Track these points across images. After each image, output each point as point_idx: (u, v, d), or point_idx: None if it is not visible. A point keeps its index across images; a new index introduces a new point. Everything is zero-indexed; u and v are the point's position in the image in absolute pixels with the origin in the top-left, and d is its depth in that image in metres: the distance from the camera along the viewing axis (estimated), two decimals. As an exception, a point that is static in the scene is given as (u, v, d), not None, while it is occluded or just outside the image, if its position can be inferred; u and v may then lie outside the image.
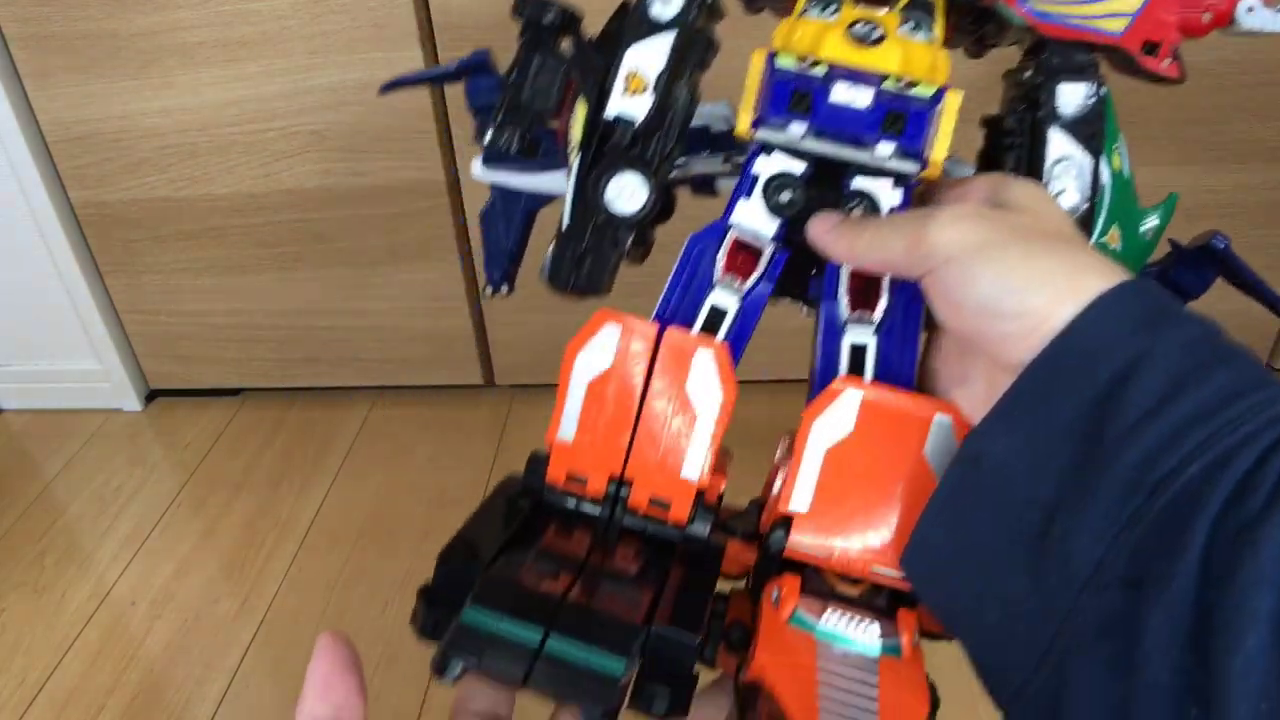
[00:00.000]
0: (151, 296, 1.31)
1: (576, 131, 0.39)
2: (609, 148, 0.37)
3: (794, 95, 0.33)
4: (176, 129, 1.16)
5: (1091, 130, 0.37)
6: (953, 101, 0.32)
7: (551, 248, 0.38)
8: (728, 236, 0.35)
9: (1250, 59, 1.02)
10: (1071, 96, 0.37)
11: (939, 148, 0.33)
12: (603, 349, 0.33)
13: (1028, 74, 0.37)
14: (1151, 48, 0.35)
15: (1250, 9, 0.35)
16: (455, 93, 1.09)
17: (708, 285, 0.35)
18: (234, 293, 1.29)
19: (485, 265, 0.48)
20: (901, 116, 0.33)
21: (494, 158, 0.47)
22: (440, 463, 1.22)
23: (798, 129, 0.34)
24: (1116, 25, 0.36)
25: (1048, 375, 0.27)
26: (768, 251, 0.35)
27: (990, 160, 0.39)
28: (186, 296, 1.31)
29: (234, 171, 1.18)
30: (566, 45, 0.40)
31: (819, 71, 0.33)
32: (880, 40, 0.33)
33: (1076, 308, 0.27)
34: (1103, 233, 0.37)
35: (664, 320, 0.35)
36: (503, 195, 0.48)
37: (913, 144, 0.33)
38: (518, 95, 0.40)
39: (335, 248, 1.23)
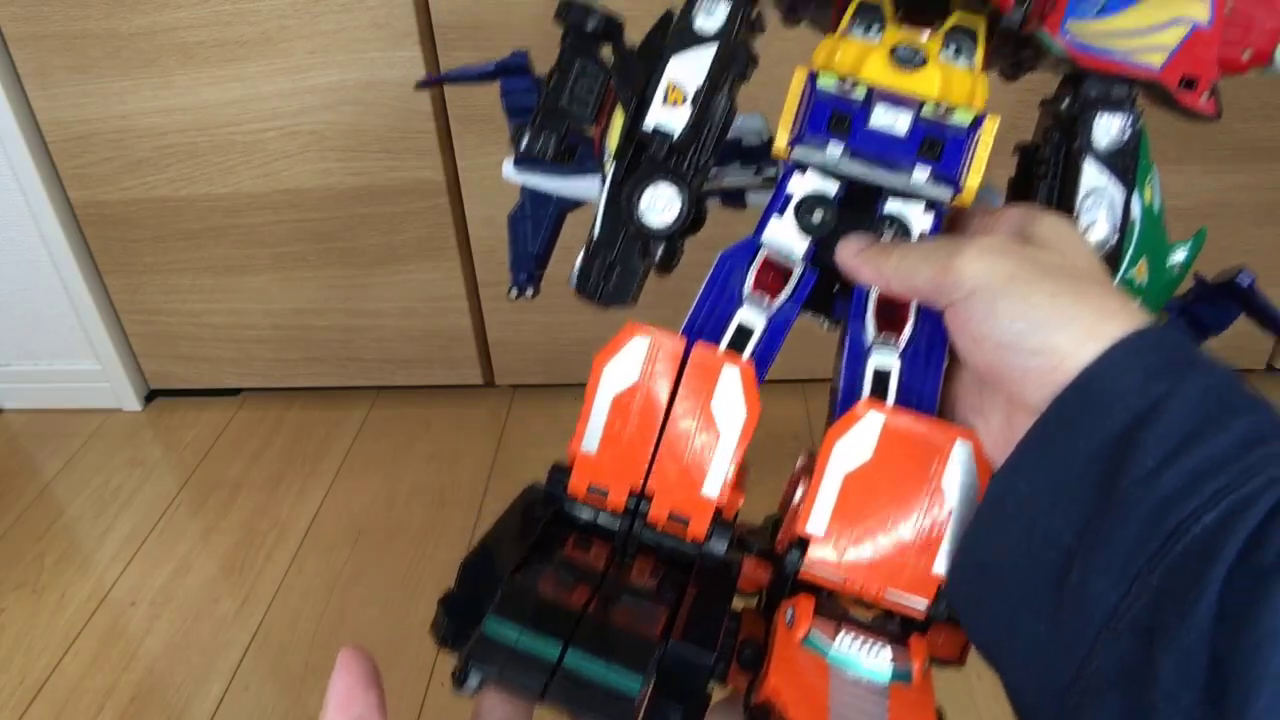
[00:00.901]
0: (151, 296, 1.31)
1: (613, 140, 0.39)
2: (645, 159, 0.37)
3: (833, 116, 0.34)
4: (176, 129, 1.16)
5: (1126, 163, 0.36)
6: (990, 129, 0.33)
7: (581, 256, 0.38)
8: (759, 255, 0.35)
9: (1250, 59, 1.02)
10: (1108, 129, 0.37)
11: (974, 174, 0.33)
12: (630, 362, 0.34)
13: (1065, 104, 0.37)
14: (1190, 83, 0.35)
15: None
16: (455, 93, 1.09)
17: (736, 302, 0.35)
18: (234, 293, 1.29)
19: (511, 266, 0.49)
20: (938, 143, 0.33)
21: (526, 160, 0.47)
22: (440, 463, 1.22)
23: (835, 150, 0.34)
24: (1156, 59, 0.35)
25: (1067, 417, 0.27)
26: (797, 272, 0.35)
27: (1022, 189, 0.39)
28: (186, 296, 1.30)
29: (234, 171, 1.18)
30: (607, 53, 0.40)
31: (859, 94, 0.33)
32: (922, 65, 0.33)
33: (1098, 349, 0.27)
34: (1131, 265, 0.37)
35: (691, 335, 0.35)
36: (532, 198, 0.49)
37: (948, 170, 0.33)
38: (556, 100, 0.40)
39: (335, 248, 1.23)
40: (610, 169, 0.39)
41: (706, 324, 0.35)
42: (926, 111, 0.33)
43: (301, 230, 1.22)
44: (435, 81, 0.52)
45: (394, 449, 1.26)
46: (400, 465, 1.23)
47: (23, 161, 1.19)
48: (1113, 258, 0.36)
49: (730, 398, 0.33)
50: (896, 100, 0.33)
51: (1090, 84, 0.36)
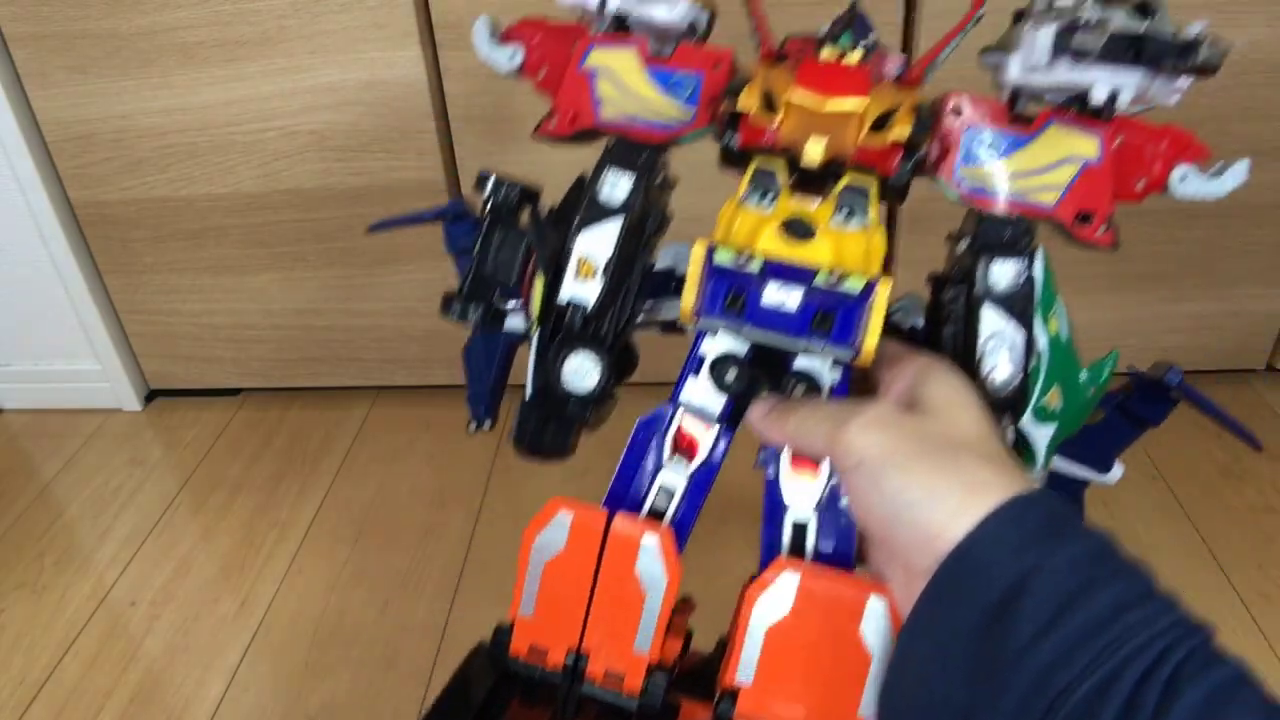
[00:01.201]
0: (151, 296, 1.31)
1: (536, 304, 0.41)
2: (564, 328, 0.40)
3: (728, 295, 0.35)
4: (176, 129, 1.16)
5: (1023, 305, 0.38)
6: (882, 293, 0.34)
7: (517, 413, 0.41)
8: (674, 420, 0.38)
9: (1250, 59, 1.02)
10: (1003, 274, 0.38)
11: (870, 336, 0.34)
12: (557, 534, 0.36)
13: (962, 246, 0.39)
14: (1085, 217, 0.37)
15: (1183, 177, 0.36)
16: (455, 91, 1.09)
17: (657, 467, 0.38)
18: (234, 293, 1.29)
19: (469, 401, 0.51)
20: (829, 315, 0.34)
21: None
22: (440, 463, 1.22)
23: (734, 326, 0.36)
24: (1050, 197, 0.37)
25: (947, 589, 0.29)
26: (710, 434, 0.37)
27: (934, 317, 0.41)
28: (186, 296, 1.30)
29: (234, 171, 1.18)
30: (526, 219, 0.42)
31: (755, 267, 0.34)
32: (811, 237, 0.35)
33: (971, 523, 0.29)
34: (1043, 394, 0.39)
35: (616, 501, 0.37)
36: (483, 334, 0.50)
37: (840, 340, 0.34)
38: (481, 269, 0.43)
39: (335, 248, 1.23)
40: (535, 334, 0.41)
41: (631, 489, 0.38)
42: (819, 280, 0.34)
43: (301, 230, 1.22)
44: (386, 226, 0.54)
45: (394, 449, 1.26)
46: (400, 465, 1.23)
47: (23, 161, 1.19)
48: (1019, 394, 0.38)
49: (652, 563, 0.35)
50: (789, 275, 0.34)
51: (985, 229, 0.38)
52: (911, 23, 1.02)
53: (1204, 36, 0.33)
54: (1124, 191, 0.37)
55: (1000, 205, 0.37)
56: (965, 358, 0.38)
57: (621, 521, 0.36)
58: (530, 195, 0.43)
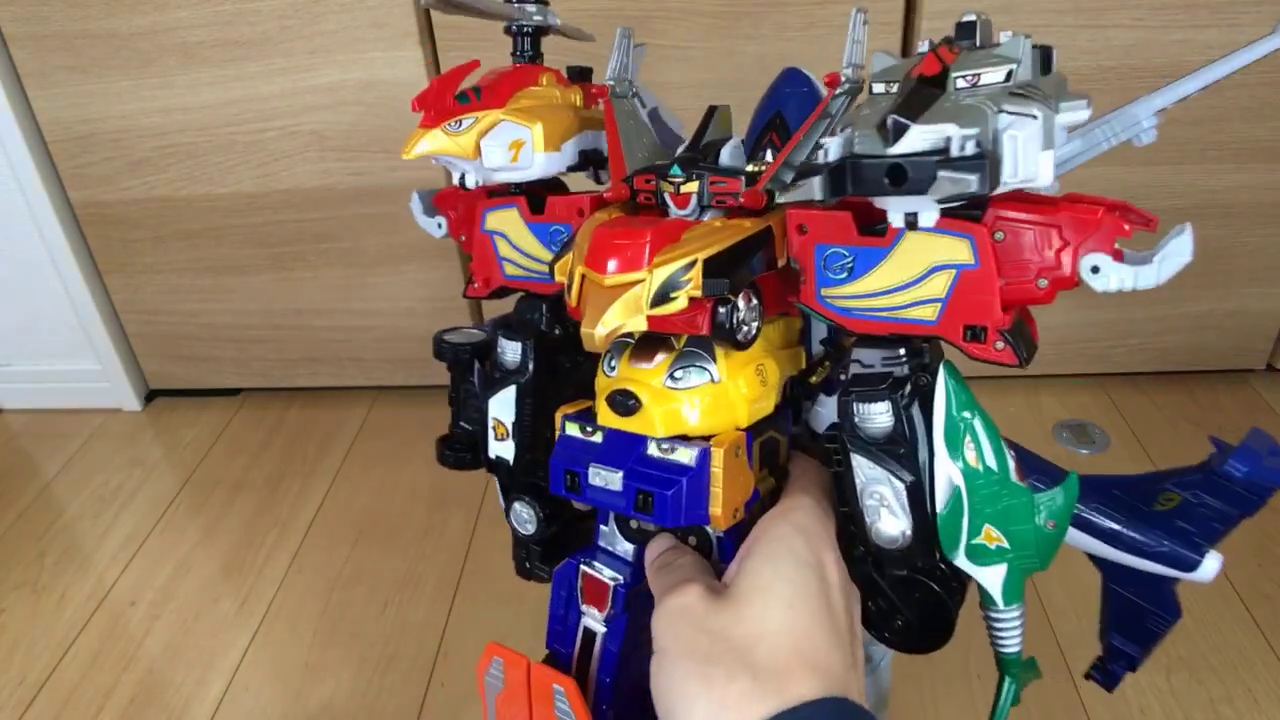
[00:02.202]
0: (151, 296, 1.31)
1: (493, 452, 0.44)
2: (505, 480, 0.44)
3: (566, 475, 0.36)
4: (176, 129, 1.16)
5: (906, 448, 0.32)
6: (718, 459, 0.34)
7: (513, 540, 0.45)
8: (580, 573, 0.40)
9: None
10: (869, 416, 0.33)
11: (715, 504, 0.34)
12: (496, 674, 0.39)
13: (831, 369, 0.36)
14: (975, 334, 0.31)
15: (1096, 269, 0.29)
16: (455, 93, 1.09)
17: (577, 612, 0.40)
18: (234, 293, 1.29)
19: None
20: (648, 496, 0.34)
21: None
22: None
23: (576, 500, 0.37)
24: (928, 313, 0.32)
25: None
26: (611, 588, 0.39)
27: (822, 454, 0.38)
28: (186, 296, 1.30)
29: (234, 171, 1.18)
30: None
31: (598, 437, 0.35)
32: (637, 409, 0.34)
33: None
34: (973, 535, 0.33)
35: (554, 639, 0.41)
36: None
37: (661, 521, 0.34)
38: (456, 422, 0.47)
39: (335, 248, 1.23)
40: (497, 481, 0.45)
41: (562, 631, 0.41)
42: (650, 450, 0.34)
43: (301, 230, 1.22)
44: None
45: (394, 449, 1.26)
46: (400, 465, 1.23)
47: (23, 161, 1.19)
48: (922, 546, 0.33)
49: (564, 708, 0.37)
50: (612, 456, 0.35)
51: (854, 361, 0.34)
52: (911, 24, 1.02)
53: (971, 139, 0.26)
54: (1023, 294, 0.31)
55: (875, 324, 0.33)
56: (849, 500, 0.34)
57: (537, 670, 0.38)
58: (480, 351, 0.45)
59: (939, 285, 0.31)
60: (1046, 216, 0.30)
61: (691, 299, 0.31)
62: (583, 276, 0.32)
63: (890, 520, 0.33)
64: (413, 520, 1.13)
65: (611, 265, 0.31)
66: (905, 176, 0.26)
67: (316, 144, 1.15)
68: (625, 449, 0.35)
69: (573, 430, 0.36)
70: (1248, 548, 1.00)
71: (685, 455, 0.34)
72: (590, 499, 0.35)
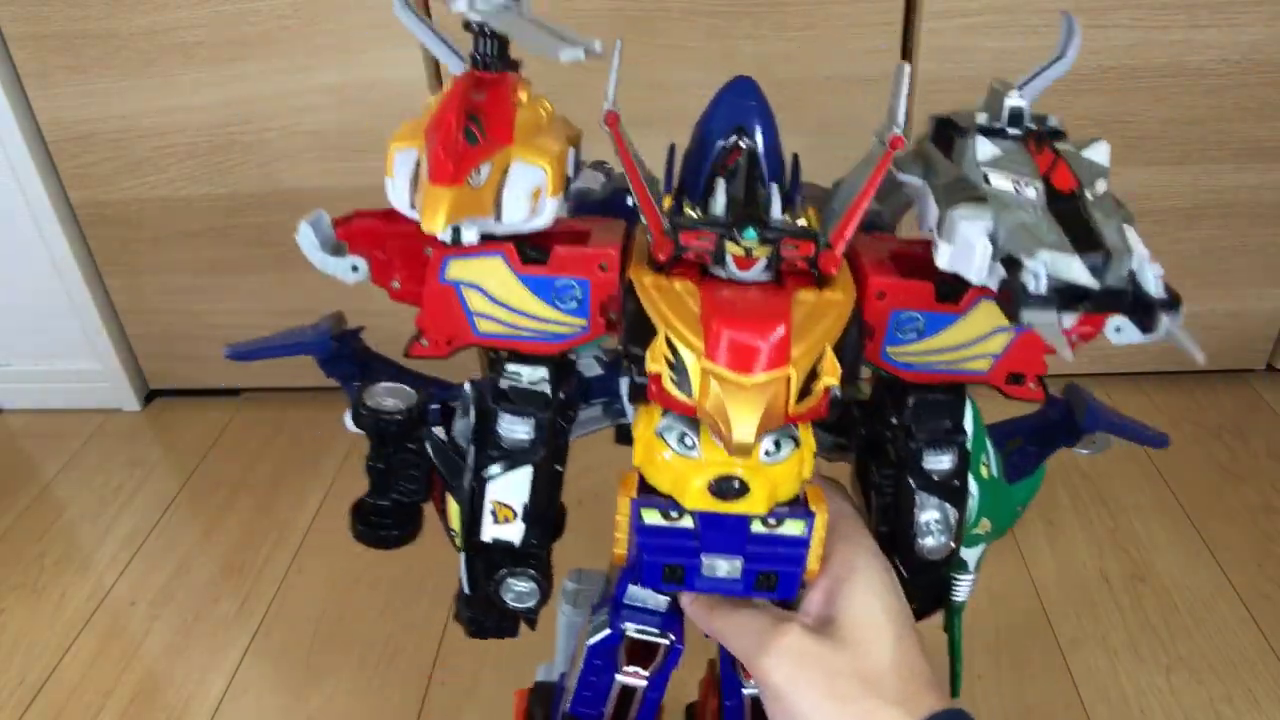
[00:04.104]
0: (151, 296, 1.31)
1: (454, 520, 0.40)
2: (493, 560, 0.40)
3: (666, 570, 0.34)
4: (176, 129, 1.16)
5: (960, 485, 0.39)
6: (820, 526, 0.34)
7: (455, 599, 0.43)
8: (622, 638, 0.39)
9: (1250, 59, 1.02)
10: (938, 464, 0.39)
11: (814, 561, 0.35)
12: None
13: (893, 425, 0.38)
14: (1016, 378, 0.37)
15: (1119, 329, 0.32)
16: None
17: (612, 676, 0.40)
18: (234, 293, 1.29)
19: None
20: (772, 575, 0.34)
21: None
22: (440, 463, 1.22)
23: (680, 592, 0.37)
24: (982, 365, 0.37)
25: None
26: (664, 648, 0.39)
27: (864, 484, 0.42)
28: (186, 296, 1.30)
29: (234, 171, 1.18)
30: (430, 442, 0.41)
31: (687, 522, 0.34)
32: (745, 494, 0.33)
33: None
34: (973, 527, 0.41)
35: (579, 706, 0.41)
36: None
37: (785, 595, 0.35)
38: (379, 491, 0.43)
39: (335, 248, 1.23)
40: (460, 552, 0.41)
41: (589, 698, 0.40)
42: (756, 528, 0.34)
43: (301, 230, 1.22)
44: (252, 356, 0.51)
45: (394, 449, 1.26)
46: (400, 465, 1.23)
47: (23, 161, 1.19)
48: (958, 545, 0.40)
49: None
50: (724, 544, 0.34)
51: (919, 417, 0.38)
52: (911, 24, 1.01)
53: (1161, 287, 0.28)
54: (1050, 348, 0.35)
55: (931, 375, 0.37)
56: (894, 522, 0.39)
57: None
58: (417, 418, 0.40)
59: (997, 343, 0.36)
60: None
61: (824, 388, 0.31)
62: (705, 372, 0.30)
63: (937, 540, 0.39)
64: (413, 520, 1.13)
65: (759, 364, 0.29)
66: (1153, 313, 0.27)
67: (316, 144, 1.15)
68: (732, 532, 0.34)
69: (653, 519, 0.34)
70: (1248, 548, 1.00)
71: (796, 527, 0.34)
72: (697, 588, 0.35)
